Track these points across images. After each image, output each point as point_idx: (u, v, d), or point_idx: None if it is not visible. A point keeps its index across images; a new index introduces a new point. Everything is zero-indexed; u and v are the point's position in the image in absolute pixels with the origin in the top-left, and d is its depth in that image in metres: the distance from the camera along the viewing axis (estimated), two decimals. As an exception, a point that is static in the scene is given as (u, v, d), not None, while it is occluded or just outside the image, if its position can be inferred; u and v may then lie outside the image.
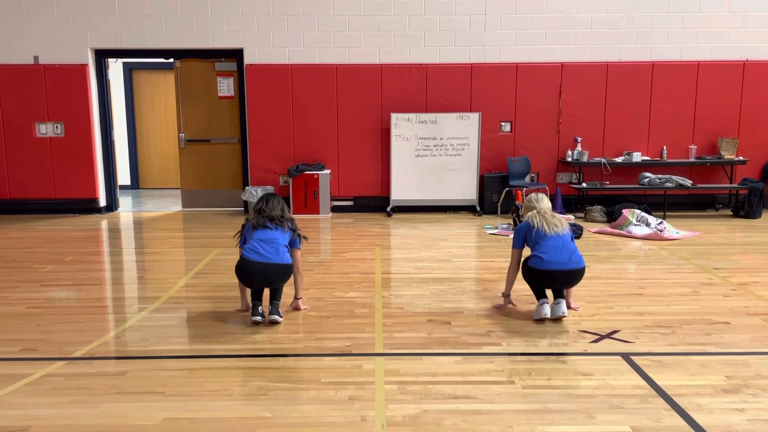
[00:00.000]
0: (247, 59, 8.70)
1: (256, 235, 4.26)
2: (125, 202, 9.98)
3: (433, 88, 8.73)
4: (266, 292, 4.33)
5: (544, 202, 4.51)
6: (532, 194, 4.64)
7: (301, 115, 8.73)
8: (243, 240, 4.38)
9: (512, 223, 7.64)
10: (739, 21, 8.64)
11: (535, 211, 4.42)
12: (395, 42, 8.68)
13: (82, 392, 3.28)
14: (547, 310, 4.25)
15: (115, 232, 7.98)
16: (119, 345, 4.01)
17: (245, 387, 3.34)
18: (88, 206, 8.95)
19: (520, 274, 4.49)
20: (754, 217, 8.24)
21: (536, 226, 4.31)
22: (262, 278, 4.21)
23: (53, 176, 8.81)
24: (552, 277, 4.24)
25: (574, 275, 4.29)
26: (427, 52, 8.70)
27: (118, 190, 9.42)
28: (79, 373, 3.53)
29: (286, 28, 8.65)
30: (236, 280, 5.15)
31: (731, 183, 8.74)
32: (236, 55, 8.82)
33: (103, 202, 9.09)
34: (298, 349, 3.87)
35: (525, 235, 4.41)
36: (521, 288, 4.60)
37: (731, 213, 8.61)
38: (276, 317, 4.23)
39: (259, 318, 4.20)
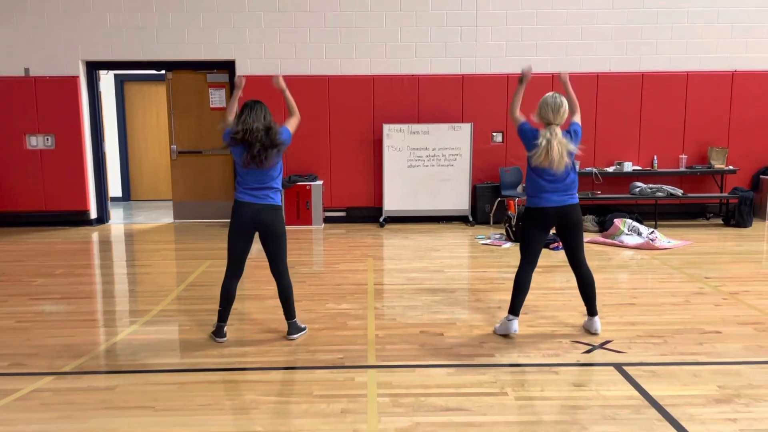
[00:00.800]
0: (239, 70, 8.70)
1: (247, 179, 4.06)
2: (116, 214, 9.93)
3: (425, 99, 8.76)
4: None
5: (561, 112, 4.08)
6: (550, 96, 4.13)
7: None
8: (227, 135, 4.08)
9: (505, 233, 7.65)
10: (728, 32, 8.72)
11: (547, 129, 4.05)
12: (387, 53, 8.72)
13: (71, 407, 3.25)
14: (515, 327, 4.19)
15: (106, 244, 7.93)
16: (109, 359, 3.97)
17: (236, 401, 3.32)
18: (79, 218, 8.89)
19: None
20: (745, 226, 8.28)
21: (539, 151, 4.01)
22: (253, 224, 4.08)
23: (44, 188, 8.76)
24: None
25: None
26: (419, 63, 8.74)
27: (109, 202, 9.38)
28: (69, 388, 3.50)
29: (278, 39, 8.67)
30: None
31: (722, 192, 8.79)
32: (228, 66, 8.82)
33: (94, 215, 9.04)
34: (290, 361, 3.85)
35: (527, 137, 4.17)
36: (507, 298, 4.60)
37: (722, 222, 8.65)
38: (295, 336, 4.22)
39: (223, 339, 4.17)
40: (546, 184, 4.11)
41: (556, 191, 4.12)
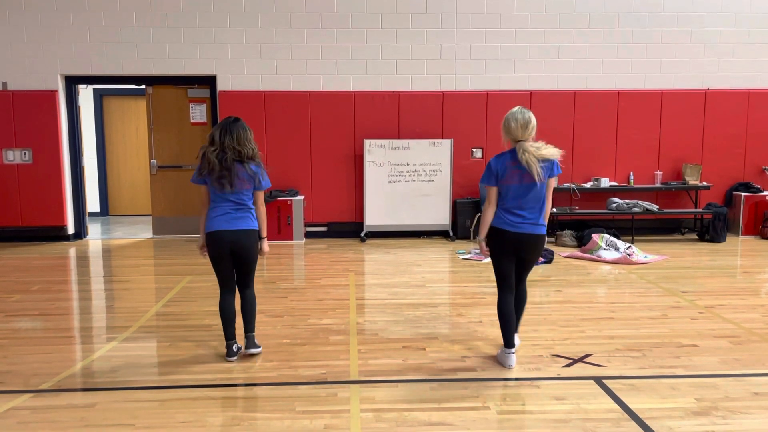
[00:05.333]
0: (220, 86, 8.71)
1: (220, 203, 4.02)
2: (94, 229, 9.82)
3: (406, 115, 8.83)
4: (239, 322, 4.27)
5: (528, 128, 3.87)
6: (518, 111, 3.92)
7: (275, 141, 8.75)
8: (198, 172, 4.11)
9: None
10: (700, 51, 8.95)
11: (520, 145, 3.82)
12: (368, 70, 8.79)
13: (49, 426, 3.20)
14: (511, 361, 3.97)
15: (83, 260, 7.83)
16: (88, 376, 3.92)
17: (218, 417, 3.30)
18: (57, 234, 8.78)
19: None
20: (719, 241, 8.44)
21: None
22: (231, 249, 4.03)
23: (21, 203, 8.64)
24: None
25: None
26: (400, 79, 8.82)
27: (87, 218, 9.27)
28: (47, 405, 3.44)
29: (259, 55, 8.70)
30: (208, 308, 5.11)
31: (696, 208, 8.96)
32: (209, 81, 8.82)
33: (71, 230, 8.92)
34: (272, 377, 3.84)
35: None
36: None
37: (697, 237, 8.81)
38: (253, 350, 4.16)
39: (234, 358, 4.11)
40: (513, 206, 3.89)
41: (518, 217, 3.89)
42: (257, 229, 4.12)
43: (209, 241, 4.07)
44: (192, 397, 3.55)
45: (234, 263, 4.10)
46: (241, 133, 4.02)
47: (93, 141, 11.06)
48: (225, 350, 4.15)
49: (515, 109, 3.97)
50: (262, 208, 4.18)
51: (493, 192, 3.97)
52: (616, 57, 8.91)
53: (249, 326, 4.18)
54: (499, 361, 4.05)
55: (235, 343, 4.14)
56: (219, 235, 4.01)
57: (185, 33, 8.61)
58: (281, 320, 4.95)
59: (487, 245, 4.08)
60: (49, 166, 8.62)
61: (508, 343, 3.98)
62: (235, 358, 4.11)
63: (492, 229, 3.99)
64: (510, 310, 4.00)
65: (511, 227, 3.90)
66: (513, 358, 3.98)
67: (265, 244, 4.22)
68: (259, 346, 4.21)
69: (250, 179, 4.04)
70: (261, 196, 4.16)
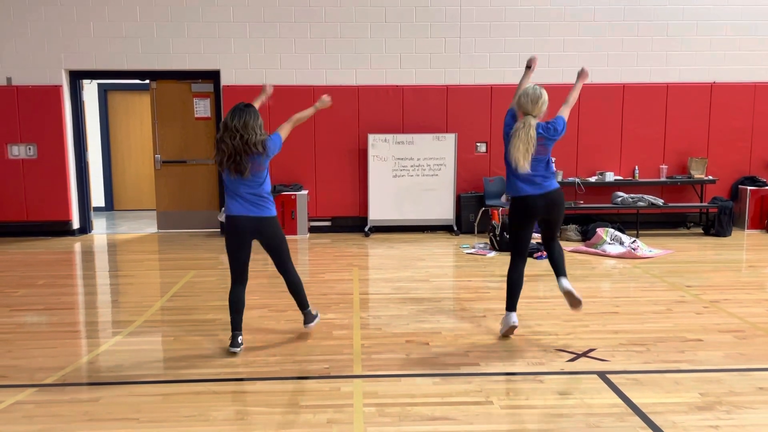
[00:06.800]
0: (224, 80, 8.71)
1: (236, 188, 4.04)
2: (99, 224, 9.84)
3: (410, 109, 8.81)
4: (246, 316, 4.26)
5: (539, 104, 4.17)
6: (530, 87, 4.23)
7: (278, 136, 8.73)
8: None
9: (489, 242, 7.70)
10: (707, 44, 8.89)
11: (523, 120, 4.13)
12: (372, 64, 8.77)
13: (54, 420, 3.21)
14: (514, 318, 4.31)
15: (88, 254, 7.86)
16: (92, 370, 3.93)
17: (222, 412, 3.30)
18: (62, 228, 8.80)
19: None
20: (724, 236, 8.41)
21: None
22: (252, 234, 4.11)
23: (26, 198, 8.67)
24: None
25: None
26: (404, 74, 8.80)
27: (92, 212, 9.29)
28: (51, 400, 3.46)
29: (263, 50, 8.69)
30: (212, 303, 5.12)
31: (701, 202, 8.92)
32: (213, 76, 8.81)
33: (76, 225, 8.95)
34: (275, 372, 3.84)
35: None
36: (500, 308, 4.63)
37: (702, 231, 8.77)
38: (310, 325, 4.44)
39: (237, 349, 4.10)
40: (520, 174, 4.18)
41: (530, 182, 4.19)
42: (275, 215, 4.15)
43: (228, 227, 4.10)
44: (196, 392, 3.56)
45: (265, 250, 4.22)
46: (248, 118, 3.96)
47: (97, 136, 11.08)
48: (229, 342, 4.15)
49: (530, 84, 4.27)
50: (296, 121, 4.32)
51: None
52: (621, 50, 8.86)
53: (302, 303, 4.38)
54: (504, 323, 4.33)
55: (240, 334, 4.14)
56: (239, 221, 4.04)
57: (189, 28, 8.60)
58: (285, 315, 4.95)
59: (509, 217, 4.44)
60: (54, 161, 8.65)
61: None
62: (238, 349, 4.10)
63: (512, 200, 4.32)
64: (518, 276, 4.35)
65: (532, 190, 4.21)
66: (514, 316, 4.31)
67: (321, 100, 4.52)
68: (316, 315, 4.46)
69: (261, 156, 3.99)
70: (285, 130, 4.23)
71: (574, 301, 4.29)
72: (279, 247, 4.20)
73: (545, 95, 4.19)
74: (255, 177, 4.04)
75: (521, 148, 4.08)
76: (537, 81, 8.67)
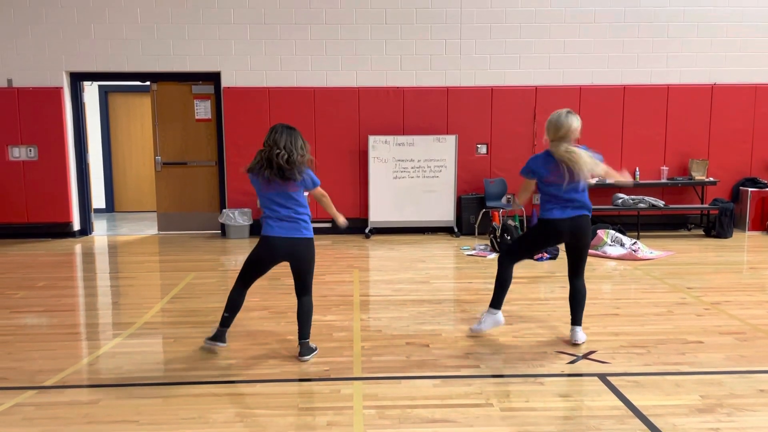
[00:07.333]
0: (225, 82, 8.71)
1: (272, 206, 3.97)
2: (100, 225, 9.85)
3: (410, 110, 8.81)
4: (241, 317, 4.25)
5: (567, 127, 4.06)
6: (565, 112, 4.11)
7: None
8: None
9: (489, 244, 7.69)
10: (707, 46, 8.89)
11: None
12: (372, 65, 8.77)
13: (53, 422, 3.21)
14: (501, 318, 4.38)
15: (89, 256, 7.86)
16: (92, 373, 3.93)
17: (222, 414, 3.30)
18: (62, 230, 8.81)
19: None
20: (725, 237, 8.40)
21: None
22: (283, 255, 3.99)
23: (26, 200, 8.67)
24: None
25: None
26: (404, 75, 8.80)
27: (92, 214, 9.30)
28: (51, 402, 3.45)
29: (263, 51, 8.69)
30: (212, 305, 5.10)
31: (702, 203, 8.91)
32: (213, 78, 8.82)
33: (77, 226, 8.96)
34: (275, 374, 3.84)
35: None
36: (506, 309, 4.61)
37: (703, 233, 8.76)
38: (306, 358, 4.03)
39: (216, 344, 4.07)
40: (561, 194, 4.10)
41: (568, 204, 4.11)
42: (311, 237, 4.03)
43: (261, 243, 4.01)
44: (195, 394, 3.56)
45: (291, 267, 4.05)
46: (290, 138, 3.91)
47: (98, 138, 11.09)
48: (213, 332, 4.12)
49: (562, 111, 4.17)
50: (324, 199, 4.25)
51: None
52: (621, 52, 8.86)
53: (302, 332, 4.06)
54: (490, 322, 4.39)
55: (225, 333, 4.11)
56: (273, 242, 3.95)
57: (189, 29, 8.61)
58: (285, 317, 4.95)
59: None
60: (55, 162, 8.65)
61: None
62: (216, 345, 4.08)
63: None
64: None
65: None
66: (501, 315, 4.38)
67: (341, 218, 4.36)
68: (310, 353, 4.08)
69: (301, 183, 3.95)
70: (315, 191, 4.15)
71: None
72: (308, 267, 4.03)
73: (575, 122, 4.11)
74: (295, 193, 3.96)
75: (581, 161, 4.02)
76: (537, 82, 8.59)
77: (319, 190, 4.15)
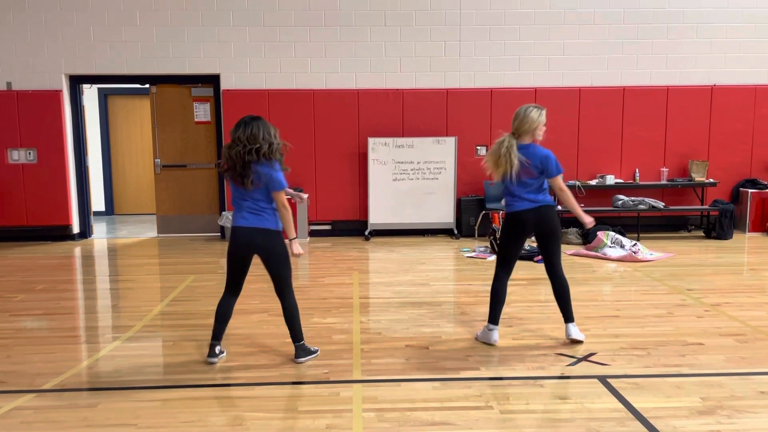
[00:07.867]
0: (224, 85, 8.71)
1: (239, 200, 3.91)
2: (99, 228, 9.84)
3: (410, 112, 8.81)
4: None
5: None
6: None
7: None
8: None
9: (489, 246, 7.69)
10: (707, 47, 8.89)
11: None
12: (372, 68, 8.77)
13: (52, 425, 3.20)
14: (496, 337, 4.30)
15: (88, 259, 7.85)
16: (91, 376, 3.92)
17: (220, 417, 3.29)
18: (62, 233, 8.80)
19: None
20: (726, 238, 8.39)
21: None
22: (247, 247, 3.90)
23: (26, 203, 8.67)
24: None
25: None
26: (403, 77, 8.80)
27: (92, 217, 9.29)
28: (50, 405, 3.45)
29: (262, 54, 8.69)
30: (212, 308, 5.09)
31: (702, 205, 8.91)
32: (213, 80, 8.82)
33: (76, 229, 8.95)
34: (274, 377, 3.83)
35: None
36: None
37: (703, 234, 8.75)
38: (301, 360, 4.01)
39: (215, 360, 4.02)
40: (514, 189, 4.19)
41: (523, 197, 4.17)
42: (278, 229, 3.90)
43: (230, 236, 3.98)
44: (194, 397, 3.55)
45: (264, 266, 3.96)
46: (255, 129, 3.82)
47: (98, 140, 11.08)
48: (206, 360, 4.04)
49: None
50: (283, 210, 3.90)
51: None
52: (621, 53, 8.85)
53: (293, 335, 4.03)
54: (483, 337, 4.33)
55: (219, 344, 4.04)
56: (238, 232, 3.91)
57: (188, 32, 8.61)
58: (284, 319, 4.93)
59: None
60: (54, 165, 8.65)
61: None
62: (215, 360, 4.02)
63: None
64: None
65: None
66: (496, 334, 4.29)
67: (296, 246, 3.97)
68: (314, 351, 4.08)
69: (258, 179, 3.83)
70: (278, 196, 3.90)
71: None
72: (276, 262, 3.91)
73: (525, 113, 4.16)
74: (259, 191, 3.87)
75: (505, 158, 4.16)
76: (536, 84, 8.62)
77: (280, 196, 3.90)
